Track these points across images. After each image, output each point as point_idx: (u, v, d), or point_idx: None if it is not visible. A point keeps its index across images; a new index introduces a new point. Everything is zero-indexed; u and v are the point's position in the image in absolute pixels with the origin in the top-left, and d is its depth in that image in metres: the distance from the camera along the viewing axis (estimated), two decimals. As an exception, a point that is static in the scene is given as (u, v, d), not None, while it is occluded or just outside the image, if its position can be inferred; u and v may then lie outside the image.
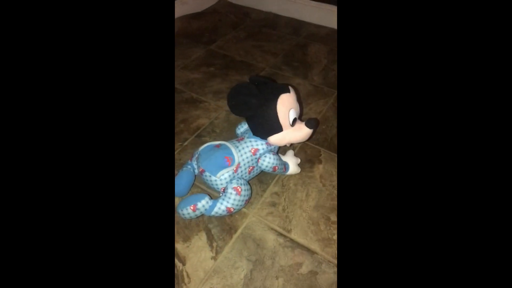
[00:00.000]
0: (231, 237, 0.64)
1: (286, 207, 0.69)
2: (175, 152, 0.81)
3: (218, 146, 0.67)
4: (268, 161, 0.67)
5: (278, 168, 0.69)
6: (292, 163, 0.74)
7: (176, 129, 0.87)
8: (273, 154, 0.68)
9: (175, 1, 1.29)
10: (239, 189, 0.63)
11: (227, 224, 0.66)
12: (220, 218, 0.66)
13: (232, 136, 0.84)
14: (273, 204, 0.69)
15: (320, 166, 0.77)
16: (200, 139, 0.84)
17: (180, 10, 1.35)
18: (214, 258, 0.60)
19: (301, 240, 0.63)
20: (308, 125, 0.65)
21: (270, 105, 0.62)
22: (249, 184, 0.67)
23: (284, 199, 0.70)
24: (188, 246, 0.62)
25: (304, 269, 0.59)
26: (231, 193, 0.63)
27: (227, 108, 0.93)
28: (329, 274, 0.58)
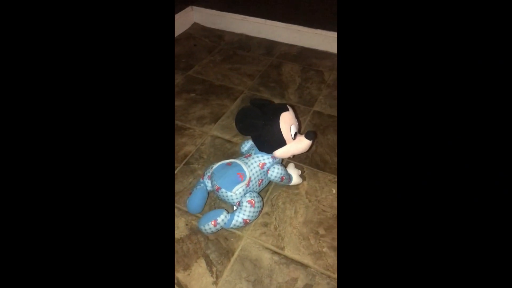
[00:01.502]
0: (229, 260, 0.67)
1: (277, 226, 0.74)
2: (166, 182, 0.83)
3: (229, 164, 0.74)
4: (277, 172, 0.74)
5: (285, 178, 0.76)
6: (294, 174, 0.81)
7: (164, 159, 0.89)
8: (281, 165, 0.76)
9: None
10: (253, 202, 0.70)
11: (223, 248, 0.69)
12: (217, 243, 0.70)
13: (219, 160, 0.88)
14: (265, 224, 0.74)
15: (305, 183, 0.83)
16: (189, 167, 0.87)
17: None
18: (215, 283, 0.64)
19: (294, 256, 0.68)
20: (307, 137, 0.74)
21: (273, 123, 0.71)
22: (260, 195, 0.74)
23: (275, 218, 0.75)
24: (189, 274, 0.65)
25: (299, 284, 0.63)
26: (246, 206, 0.69)
27: (211, 133, 0.98)
28: (323, 286, 0.63)
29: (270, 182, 0.80)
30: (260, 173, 0.74)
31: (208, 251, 0.69)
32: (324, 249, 0.69)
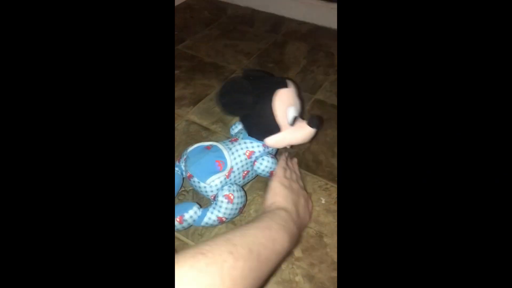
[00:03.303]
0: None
1: (242, 240, 0.58)
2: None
3: (208, 147, 0.59)
4: (265, 165, 0.59)
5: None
6: None
7: (127, 144, 0.76)
8: (271, 157, 0.60)
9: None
10: (231, 197, 0.55)
11: (170, 262, 0.55)
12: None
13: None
14: (228, 237, 0.59)
15: (288, 187, 0.67)
16: (151, 156, 0.73)
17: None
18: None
19: (256, 283, 0.53)
20: (310, 124, 0.57)
21: (266, 102, 0.55)
22: (243, 189, 0.59)
23: (242, 229, 0.60)
24: None
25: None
26: (222, 201, 0.55)
27: (188, 117, 0.82)
28: (287, 329, 0.47)
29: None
30: (247, 163, 0.59)
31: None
32: (297, 278, 0.53)
